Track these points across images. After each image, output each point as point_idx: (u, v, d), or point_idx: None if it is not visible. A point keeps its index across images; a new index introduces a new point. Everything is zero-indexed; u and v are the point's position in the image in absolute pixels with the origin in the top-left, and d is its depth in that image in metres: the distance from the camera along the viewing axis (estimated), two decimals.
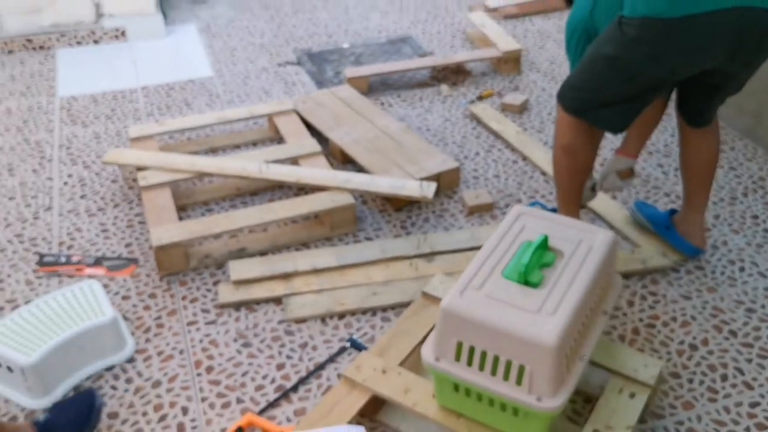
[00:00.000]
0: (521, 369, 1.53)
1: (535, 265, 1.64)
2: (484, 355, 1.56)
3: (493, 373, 1.56)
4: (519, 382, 1.54)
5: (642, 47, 1.88)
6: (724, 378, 2.00)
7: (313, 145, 2.81)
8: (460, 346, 1.59)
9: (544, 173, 2.82)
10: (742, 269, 2.36)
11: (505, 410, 1.60)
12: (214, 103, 3.39)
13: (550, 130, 3.11)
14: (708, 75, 2.00)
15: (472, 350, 1.57)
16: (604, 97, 2.01)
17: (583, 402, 1.91)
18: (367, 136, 2.88)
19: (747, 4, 1.79)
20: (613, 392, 1.78)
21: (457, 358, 1.60)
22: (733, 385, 1.97)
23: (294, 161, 2.76)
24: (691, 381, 1.99)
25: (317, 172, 2.64)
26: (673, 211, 2.42)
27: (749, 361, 2.04)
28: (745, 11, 1.79)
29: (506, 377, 1.55)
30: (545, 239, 1.68)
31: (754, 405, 1.92)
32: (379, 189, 2.54)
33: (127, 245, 2.51)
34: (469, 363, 1.58)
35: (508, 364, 1.54)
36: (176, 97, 3.45)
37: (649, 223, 2.45)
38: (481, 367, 1.57)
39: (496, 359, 1.55)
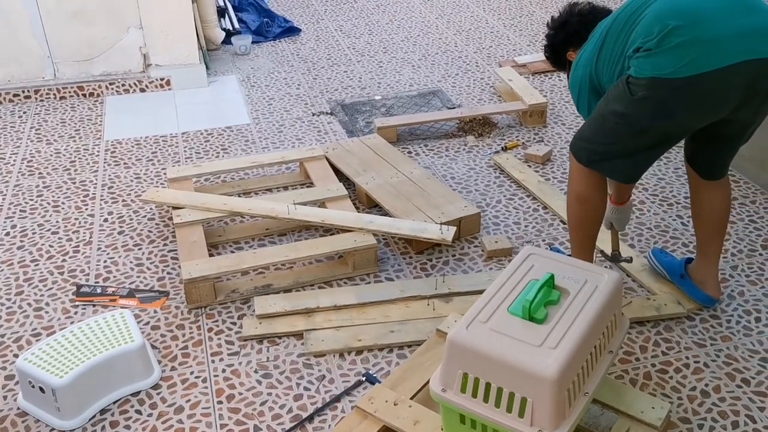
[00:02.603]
0: (523, 401, 1.58)
1: (541, 302, 1.70)
2: (488, 386, 1.62)
3: (497, 404, 1.61)
4: (521, 414, 1.59)
5: (651, 105, 1.92)
6: (735, 425, 2.01)
7: (340, 189, 2.93)
8: (465, 377, 1.65)
9: (563, 222, 2.89)
10: (758, 319, 2.37)
11: None
12: (249, 149, 3.55)
13: None
14: (721, 126, 2.05)
15: (477, 382, 1.63)
16: (615, 150, 2.07)
17: None
18: (391, 181, 2.99)
19: (755, 56, 1.83)
20: None
21: (463, 389, 1.66)
22: None
23: (321, 204, 2.88)
24: (701, 427, 2.00)
25: (342, 213, 2.75)
26: (689, 260, 2.46)
27: (762, 409, 2.05)
28: (754, 63, 1.84)
29: (509, 409, 1.60)
30: (551, 277, 1.74)
31: None
32: (400, 231, 2.64)
33: (160, 279, 2.64)
34: (474, 394, 1.64)
35: (511, 396, 1.59)
36: (214, 142, 3.62)
37: (664, 271, 2.49)
38: (486, 399, 1.63)
39: (499, 391, 1.61)
